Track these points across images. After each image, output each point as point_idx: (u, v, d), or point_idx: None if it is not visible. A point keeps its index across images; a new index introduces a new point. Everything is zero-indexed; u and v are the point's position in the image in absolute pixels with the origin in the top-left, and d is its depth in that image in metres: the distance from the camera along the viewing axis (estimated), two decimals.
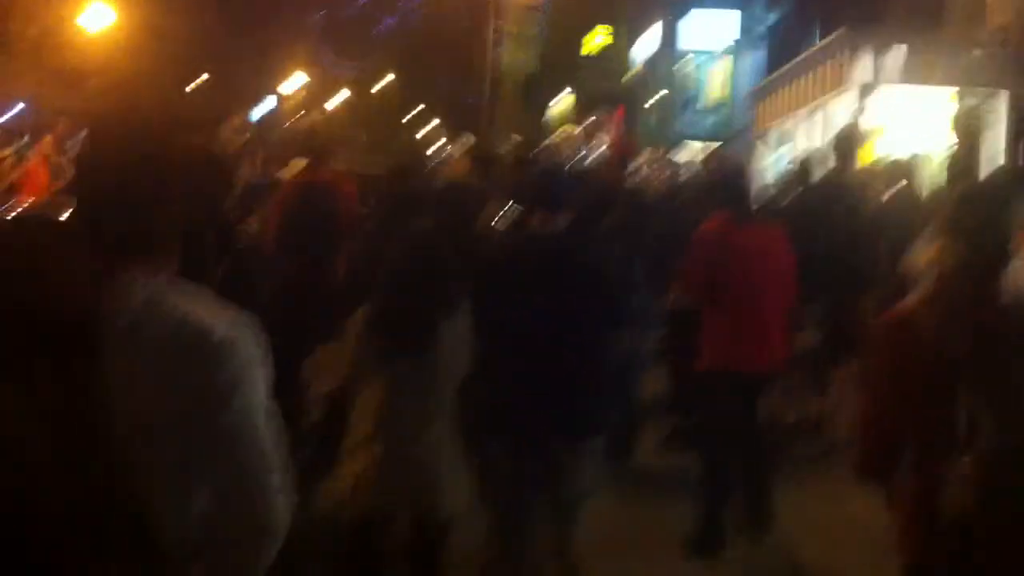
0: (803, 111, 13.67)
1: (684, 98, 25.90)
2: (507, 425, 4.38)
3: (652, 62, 29.17)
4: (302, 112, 43.90)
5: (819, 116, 13.29)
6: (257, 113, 36.98)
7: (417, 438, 4.11)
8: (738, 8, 24.96)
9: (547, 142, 11.33)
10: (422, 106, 47.75)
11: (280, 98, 44.46)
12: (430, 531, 4.23)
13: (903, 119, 11.38)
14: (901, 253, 6.93)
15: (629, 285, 6.96)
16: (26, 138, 13.57)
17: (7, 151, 12.95)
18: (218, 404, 1.98)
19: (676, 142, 21.43)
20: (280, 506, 2.07)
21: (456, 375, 4.22)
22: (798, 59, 13.88)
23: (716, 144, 16.68)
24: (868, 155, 8.69)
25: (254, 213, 5.74)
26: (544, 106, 34.74)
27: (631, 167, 9.13)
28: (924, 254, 6.22)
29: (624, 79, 31.70)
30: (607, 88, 31.41)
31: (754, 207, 6.34)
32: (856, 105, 11.30)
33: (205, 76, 33.95)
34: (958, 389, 3.13)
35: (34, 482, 1.83)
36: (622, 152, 9.22)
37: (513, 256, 4.73)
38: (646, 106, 29.59)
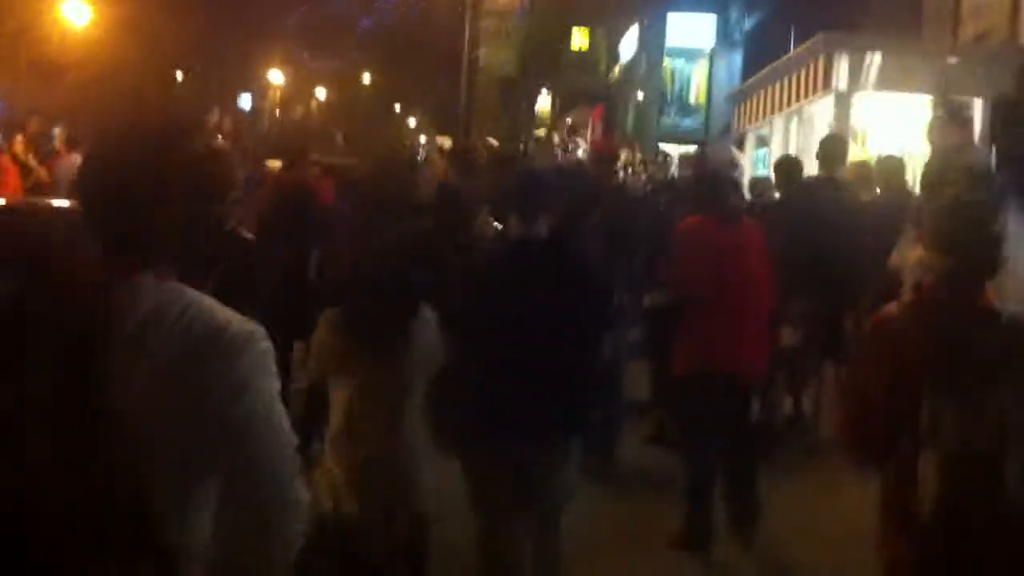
0: (780, 115, 13.76)
1: (661, 100, 25.98)
2: (492, 429, 4.40)
3: (630, 64, 29.27)
4: (278, 111, 43.82)
5: (796, 121, 13.39)
6: (236, 108, 36.80)
7: (389, 439, 4.14)
8: (714, 12, 25.08)
9: (527, 142, 11.38)
10: (399, 106, 47.68)
11: (258, 94, 44.27)
12: (412, 531, 4.26)
13: (880, 125, 11.50)
14: (885, 253, 7.05)
15: (612, 285, 7.02)
16: None
17: None
18: (232, 397, 1.99)
19: (654, 144, 21.51)
20: (300, 486, 2.10)
21: (427, 377, 4.25)
22: (775, 64, 13.97)
23: (693, 146, 16.80)
24: (847, 160, 8.75)
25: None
26: (523, 106, 34.77)
27: (612, 167, 9.17)
28: (906, 256, 6.31)
29: (602, 81, 31.79)
30: (586, 89, 31.52)
31: (738, 207, 6.37)
32: (833, 111, 11.41)
33: (181, 73, 33.77)
34: (923, 392, 3.20)
35: (34, 482, 1.88)
36: (602, 152, 9.27)
37: (496, 260, 4.74)
38: (624, 108, 29.70)
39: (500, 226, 5.93)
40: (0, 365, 1.94)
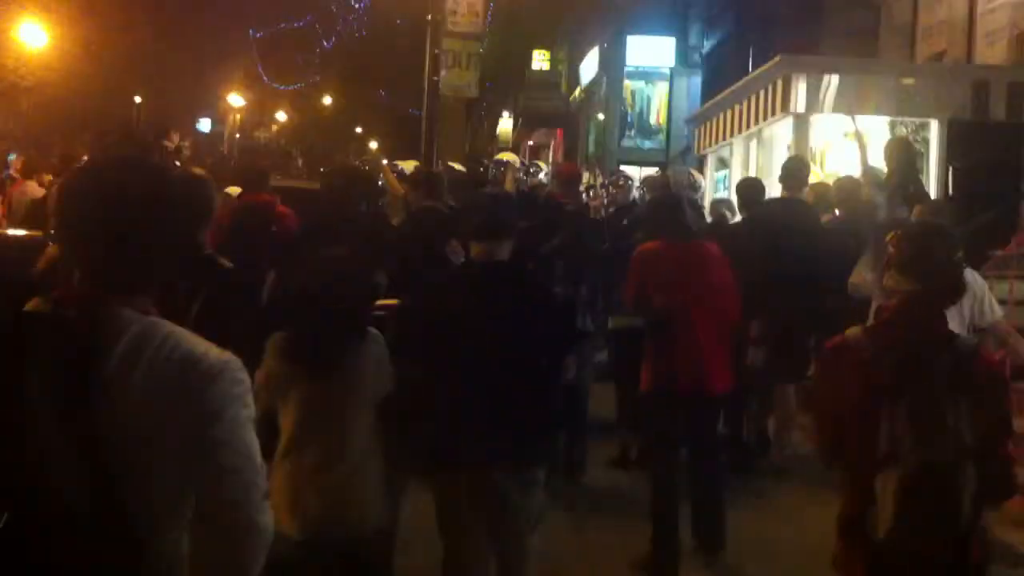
0: (740, 137, 13.86)
1: (622, 122, 26.14)
2: (456, 452, 4.38)
3: (590, 86, 29.43)
4: (238, 134, 43.64)
5: (755, 142, 13.49)
6: (195, 131, 36.64)
7: (333, 461, 4.12)
8: (674, 35, 25.30)
9: (487, 166, 11.40)
10: (360, 128, 47.64)
11: (217, 118, 44.10)
12: (361, 554, 4.24)
13: (838, 146, 11.60)
14: (844, 274, 7.10)
15: (574, 308, 7.03)
16: None
17: None
18: (210, 418, 2.11)
19: (615, 165, 21.60)
20: (266, 511, 2.20)
21: (372, 399, 4.23)
22: (734, 86, 14.09)
23: (654, 168, 16.89)
24: (808, 181, 8.82)
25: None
26: (485, 129, 34.86)
27: (575, 189, 9.20)
28: (864, 275, 6.36)
29: (563, 103, 31.94)
30: (547, 112, 31.66)
31: (696, 227, 6.41)
32: (792, 132, 11.50)
33: (140, 96, 33.59)
34: (882, 412, 3.25)
35: (21, 504, 1.96)
36: (565, 174, 9.29)
37: (458, 283, 4.74)
38: (585, 130, 29.85)
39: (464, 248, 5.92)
40: None
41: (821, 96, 11.28)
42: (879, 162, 8.13)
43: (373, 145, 45.44)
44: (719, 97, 15.23)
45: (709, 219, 8.91)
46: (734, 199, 9.25)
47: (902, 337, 3.34)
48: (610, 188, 9.95)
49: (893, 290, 3.43)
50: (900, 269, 3.42)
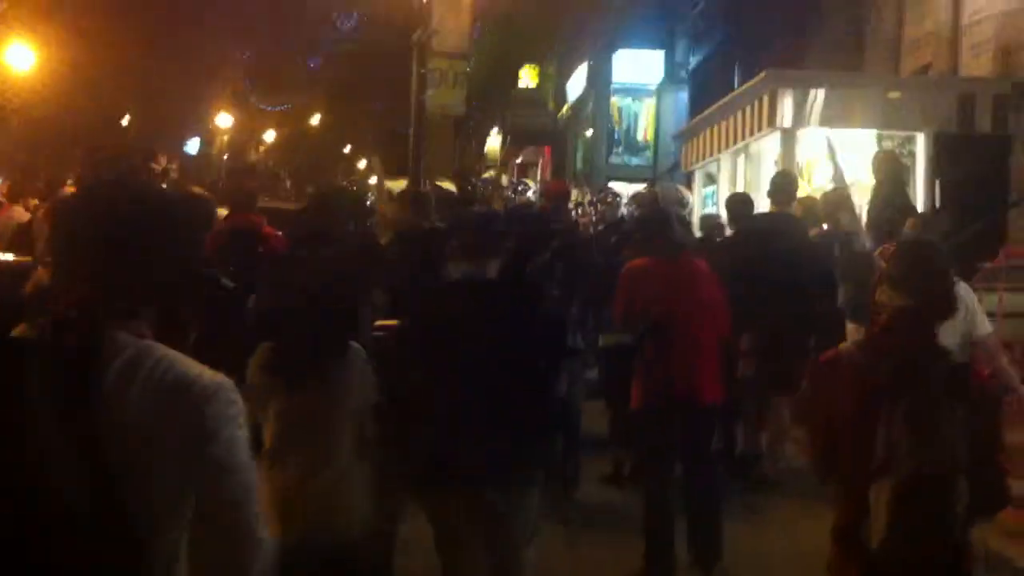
0: (728, 152, 13.89)
1: (610, 138, 26.20)
2: (450, 469, 4.38)
3: (577, 104, 29.50)
4: (226, 155, 43.62)
5: (743, 157, 13.52)
6: (183, 153, 36.65)
7: (316, 471, 4.16)
8: (662, 48, 25.37)
9: (475, 184, 11.42)
10: (349, 147, 47.64)
11: (205, 139, 44.08)
12: (349, 560, 4.23)
13: (825, 161, 11.64)
14: (832, 288, 7.13)
15: (565, 324, 7.03)
16: None
17: None
18: (206, 438, 2.13)
19: (603, 182, 21.63)
20: (263, 527, 2.23)
21: (357, 410, 4.26)
22: (721, 101, 14.13)
23: (642, 184, 16.93)
24: (797, 195, 8.86)
25: None
26: (474, 146, 34.91)
27: (565, 206, 9.22)
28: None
29: (550, 120, 32.01)
30: (536, 128, 31.72)
31: (684, 242, 6.43)
32: (779, 147, 11.53)
33: (128, 117, 33.59)
34: (879, 423, 3.27)
35: (22, 522, 1.97)
36: (551, 192, 9.31)
37: (447, 301, 4.74)
38: (573, 148, 29.90)
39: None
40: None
41: (807, 110, 11.31)
42: (867, 175, 8.17)
43: (362, 164, 45.45)
44: (706, 113, 15.27)
45: (698, 235, 8.95)
46: (723, 214, 9.28)
47: (896, 346, 3.36)
48: (598, 205, 9.97)
49: (885, 305, 3.44)
50: (892, 284, 3.44)
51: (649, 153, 25.77)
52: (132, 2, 29.19)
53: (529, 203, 10.07)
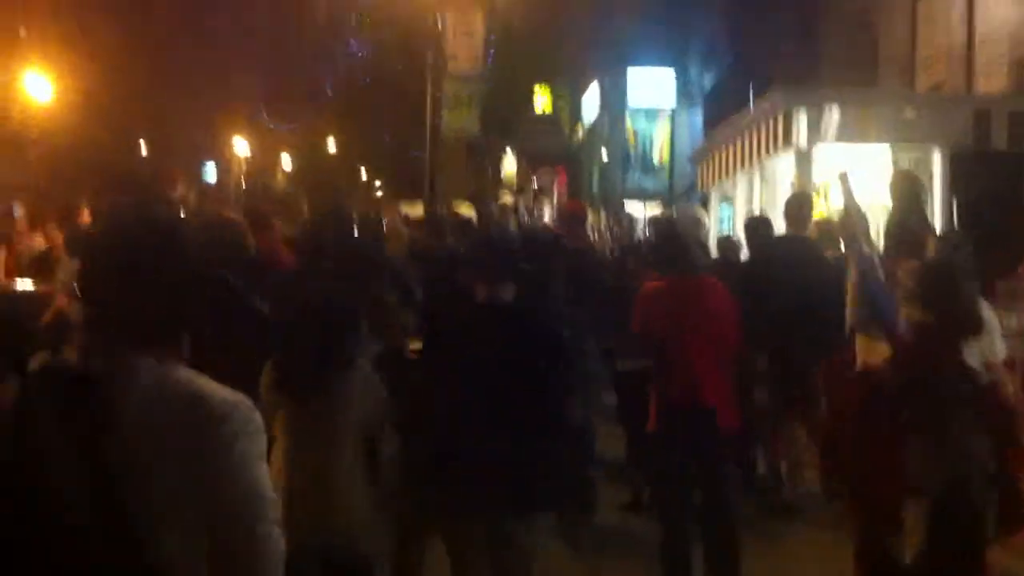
0: (743, 172, 13.89)
1: (624, 161, 26.20)
2: (464, 495, 4.37)
3: (593, 125, 29.53)
4: (244, 181, 43.83)
5: (758, 177, 13.51)
6: (201, 181, 36.80)
7: (321, 477, 4.19)
8: (672, 66, 25.34)
9: (492, 207, 11.43)
10: (364, 170, 47.78)
11: (222, 166, 44.31)
12: (348, 565, 4.24)
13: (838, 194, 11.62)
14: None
15: (579, 349, 7.01)
16: None
17: None
18: (223, 453, 2.18)
19: (619, 204, 21.65)
20: (274, 548, 2.27)
21: (360, 422, 4.27)
22: (736, 121, 14.13)
23: (657, 206, 16.93)
24: (813, 217, 8.83)
25: None
26: (489, 168, 34.94)
27: (582, 229, 9.21)
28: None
29: (566, 141, 32.05)
30: (550, 152, 31.76)
31: (698, 263, 6.40)
32: (794, 166, 11.52)
33: (145, 145, 33.81)
34: (908, 440, 3.27)
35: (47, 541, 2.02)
36: (566, 213, 9.30)
37: (463, 325, 4.74)
38: (588, 170, 29.93)
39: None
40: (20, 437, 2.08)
41: (823, 127, 11.30)
42: (883, 195, 8.13)
43: (378, 185, 45.57)
44: (720, 131, 15.27)
45: (715, 256, 8.92)
46: (740, 235, 9.26)
47: (921, 366, 3.36)
48: (613, 228, 9.96)
49: (909, 323, 3.45)
50: (917, 303, 3.44)
51: (664, 174, 25.76)
52: (146, 31, 29.44)
53: (545, 226, 10.04)
